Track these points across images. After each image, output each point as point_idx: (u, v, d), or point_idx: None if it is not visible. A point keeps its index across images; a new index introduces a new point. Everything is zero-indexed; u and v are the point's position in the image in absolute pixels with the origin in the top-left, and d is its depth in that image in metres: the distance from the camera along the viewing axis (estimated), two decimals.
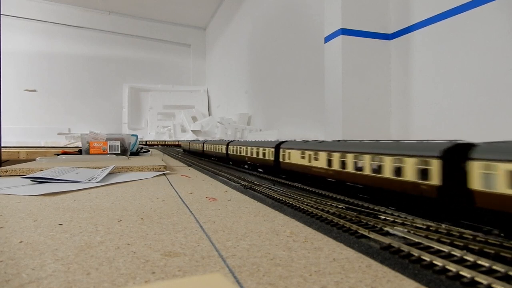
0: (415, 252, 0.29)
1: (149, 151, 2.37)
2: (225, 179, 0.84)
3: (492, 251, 0.28)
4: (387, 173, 0.47)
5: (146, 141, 5.04)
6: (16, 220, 0.45)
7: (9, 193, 0.65)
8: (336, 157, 0.59)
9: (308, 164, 0.70)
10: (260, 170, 1.04)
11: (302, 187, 0.70)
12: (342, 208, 0.47)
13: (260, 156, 0.99)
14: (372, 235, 0.35)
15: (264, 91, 3.63)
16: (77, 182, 0.79)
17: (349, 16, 1.74)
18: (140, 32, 6.23)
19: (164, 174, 1.03)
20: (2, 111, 1.59)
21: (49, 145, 4.16)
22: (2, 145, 1.68)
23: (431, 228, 0.36)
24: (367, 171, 0.51)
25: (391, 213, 0.44)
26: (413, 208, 0.44)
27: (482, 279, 0.23)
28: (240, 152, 1.19)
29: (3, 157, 1.76)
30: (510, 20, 1.25)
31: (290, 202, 0.51)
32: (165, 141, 4.92)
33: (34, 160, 1.38)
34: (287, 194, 0.58)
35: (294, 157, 0.77)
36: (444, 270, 0.25)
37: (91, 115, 5.79)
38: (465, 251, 0.28)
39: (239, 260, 0.30)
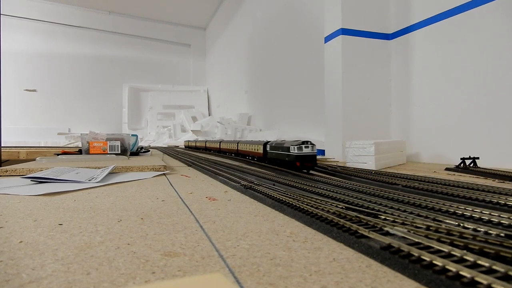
0: (415, 252, 0.29)
1: (149, 151, 2.37)
2: (225, 179, 0.84)
3: (492, 251, 0.28)
4: None
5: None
6: (16, 220, 0.45)
7: (9, 193, 0.65)
8: None
9: None
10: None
11: (302, 187, 0.70)
12: (342, 208, 0.47)
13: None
14: (372, 235, 0.34)
15: (264, 91, 3.63)
16: (77, 182, 0.79)
17: (349, 16, 1.74)
18: (140, 32, 6.23)
19: (164, 174, 1.03)
20: (2, 111, 1.59)
21: (49, 145, 4.15)
22: (2, 145, 1.68)
23: (431, 228, 0.36)
24: None
25: (391, 213, 0.44)
26: None
27: (482, 279, 0.23)
28: None
29: (3, 157, 1.76)
30: (510, 20, 1.25)
31: (290, 202, 0.51)
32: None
33: (34, 160, 1.38)
34: (287, 194, 0.58)
35: None
36: (444, 270, 0.25)
37: (91, 115, 5.80)
38: (465, 251, 0.28)
39: (239, 260, 0.30)
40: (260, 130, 3.62)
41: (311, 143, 1.02)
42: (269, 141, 1.31)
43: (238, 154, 1.74)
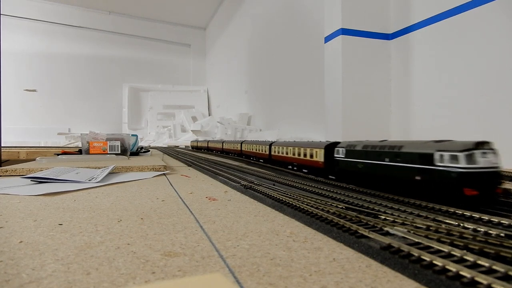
0: (415, 252, 0.29)
1: (149, 151, 2.37)
2: (225, 179, 0.84)
3: (492, 251, 0.28)
4: None
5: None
6: (16, 220, 0.45)
7: (9, 193, 0.65)
8: None
9: None
10: None
11: (301, 187, 0.70)
12: (342, 208, 0.47)
13: None
14: (372, 235, 0.35)
15: (264, 91, 3.63)
16: (77, 182, 0.79)
17: (349, 16, 1.74)
18: (140, 32, 6.23)
19: (164, 174, 1.03)
20: (2, 111, 1.59)
21: (49, 145, 4.15)
22: (2, 145, 1.68)
23: (431, 228, 0.36)
24: None
25: (391, 213, 0.44)
26: None
27: (482, 279, 0.23)
28: None
29: (3, 157, 1.76)
30: (510, 20, 1.25)
31: (290, 202, 0.51)
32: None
33: (34, 160, 1.38)
34: (287, 194, 0.58)
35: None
36: (444, 270, 0.25)
37: (91, 115, 5.80)
38: (465, 251, 0.28)
39: (239, 260, 0.30)
40: (260, 130, 3.62)
41: (491, 147, 0.50)
42: (334, 143, 0.81)
43: (270, 161, 1.30)
